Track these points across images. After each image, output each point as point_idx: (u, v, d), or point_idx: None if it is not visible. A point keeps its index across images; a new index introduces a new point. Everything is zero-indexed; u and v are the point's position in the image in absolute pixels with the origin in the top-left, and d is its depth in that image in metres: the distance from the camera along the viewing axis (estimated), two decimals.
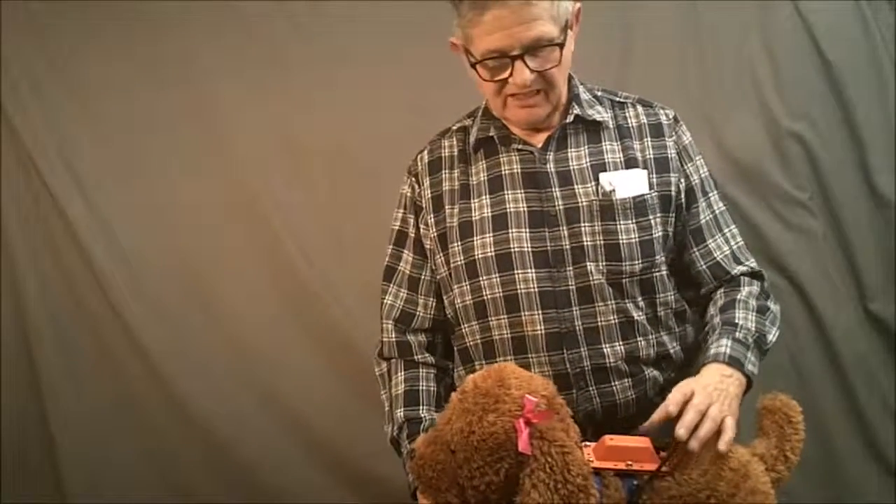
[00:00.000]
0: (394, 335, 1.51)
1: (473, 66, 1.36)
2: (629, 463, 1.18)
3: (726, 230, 1.50)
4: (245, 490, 2.25)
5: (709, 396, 1.24)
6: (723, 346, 1.34)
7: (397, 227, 1.55)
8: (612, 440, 1.19)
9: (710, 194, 1.50)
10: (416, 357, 1.50)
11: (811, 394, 2.19)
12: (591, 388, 1.37)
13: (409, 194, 1.53)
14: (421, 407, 1.45)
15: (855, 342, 2.21)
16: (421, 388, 1.47)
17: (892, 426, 2.21)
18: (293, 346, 2.27)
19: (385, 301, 1.53)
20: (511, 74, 1.35)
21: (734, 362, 1.32)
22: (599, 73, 2.23)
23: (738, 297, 1.43)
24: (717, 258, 1.47)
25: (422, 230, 1.50)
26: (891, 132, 2.21)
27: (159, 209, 2.29)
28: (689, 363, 1.46)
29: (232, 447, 2.26)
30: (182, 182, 2.29)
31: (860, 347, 2.21)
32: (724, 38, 2.22)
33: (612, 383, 1.38)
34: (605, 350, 1.37)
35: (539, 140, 1.45)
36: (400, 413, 1.45)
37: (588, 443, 1.21)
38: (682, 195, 1.46)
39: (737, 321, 1.38)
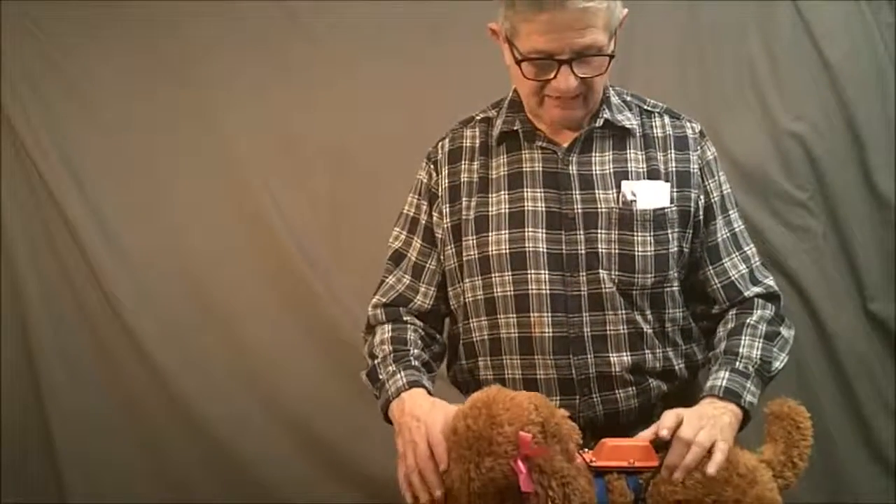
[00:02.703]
0: (382, 309, 1.47)
1: (518, 62, 1.33)
2: (631, 461, 1.19)
3: (746, 248, 1.46)
4: (244, 489, 2.25)
5: (699, 423, 1.22)
6: (720, 378, 1.31)
7: (411, 214, 1.51)
8: (612, 441, 1.20)
9: (730, 212, 1.47)
10: (404, 318, 1.46)
11: (811, 394, 2.19)
12: (594, 396, 1.36)
13: (425, 181, 1.50)
14: (411, 348, 1.40)
15: (855, 342, 2.21)
16: (410, 337, 1.42)
17: (892, 426, 2.21)
18: (293, 346, 2.27)
19: (386, 280, 1.50)
20: (555, 77, 1.32)
21: (729, 395, 1.28)
22: None
23: (748, 321, 1.39)
24: (733, 277, 1.43)
25: (434, 218, 1.47)
26: (891, 132, 2.21)
27: (159, 209, 2.29)
28: (693, 381, 1.45)
29: (231, 447, 2.26)
30: (182, 182, 2.29)
31: (860, 347, 2.21)
32: (724, 38, 2.22)
33: (616, 391, 1.36)
34: (611, 359, 1.35)
35: (564, 139, 1.42)
36: (388, 347, 1.40)
37: (587, 449, 1.21)
38: (701, 211, 1.43)
39: (739, 350, 1.35)
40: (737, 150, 2.21)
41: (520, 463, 1.08)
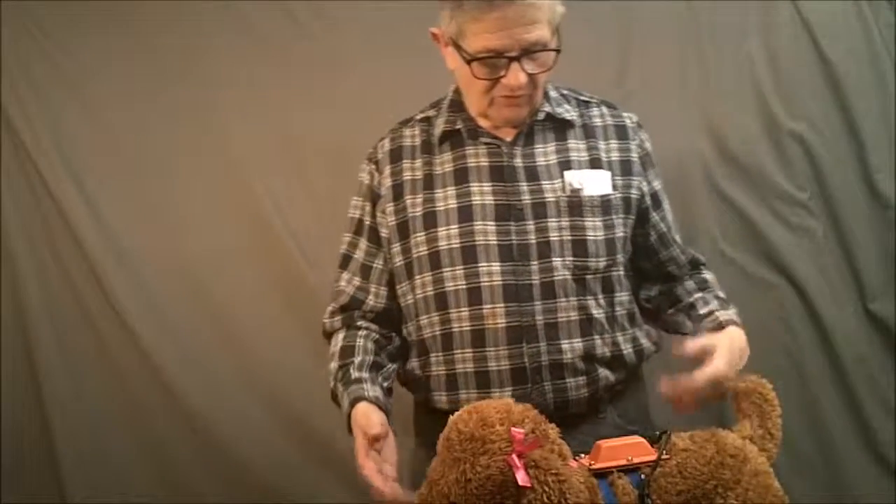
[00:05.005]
0: (338, 316, 1.53)
1: (468, 63, 1.36)
2: (629, 458, 1.20)
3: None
4: (245, 490, 2.25)
5: (732, 362, 1.31)
6: (732, 315, 1.45)
7: (356, 216, 1.55)
8: (606, 443, 1.21)
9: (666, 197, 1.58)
10: (357, 323, 1.51)
11: (811, 394, 2.20)
12: (545, 384, 1.38)
13: (367, 182, 1.52)
14: (355, 357, 1.45)
15: (855, 342, 2.21)
16: (358, 344, 1.47)
17: (892, 426, 2.21)
18: (293, 346, 2.27)
19: (336, 287, 1.55)
20: (505, 75, 1.35)
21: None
22: (599, 73, 2.24)
23: (709, 278, 1.57)
24: (690, 252, 1.59)
25: (378, 218, 1.50)
26: (891, 132, 2.21)
27: (159, 209, 2.29)
28: (640, 365, 1.51)
29: (232, 447, 2.26)
30: (182, 182, 2.29)
31: (860, 347, 2.21)
32: (724, 38, 2.22)
33: (567, 380, 1.39)
34: (563, 346, 1.38)
35: (506, 134, 1.45)
36: (334, 364, 1.46)
37: (582, 455, 1.22)
38: (647, 198, 1.49)
39: (721, 296, 1.53)
40: (737, 150, 2.22)
41: (515, 458, 1.09)
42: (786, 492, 1.22)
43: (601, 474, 1.18)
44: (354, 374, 1.41)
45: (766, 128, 2.22)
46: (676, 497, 1.17)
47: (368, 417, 1.33)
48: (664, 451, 1.19)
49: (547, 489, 1.08)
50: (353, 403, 1.37)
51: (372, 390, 1.39)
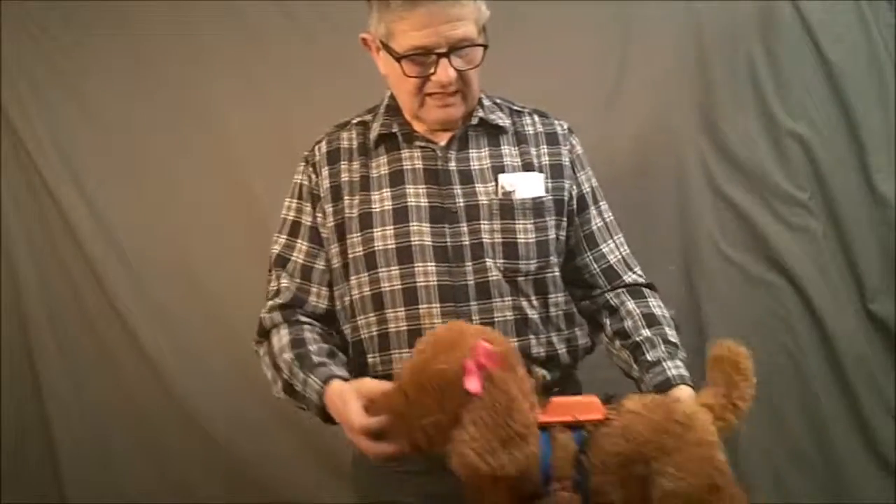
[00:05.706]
0: (278, 311, 1.47)
1: (398, 60, 1.38)
2: (575, 415, 1.19)
3: (616, 237, 1.55)
4: (244, 489, 2.25)
5: None
6: (680, 367, 1.38)
7: (291, 217, 1.52)
8: (558, 399, 1.22)
9: (601, 203, 1.55)
10: (300, 318, 1.46)
11: (811, 394, 2.19)
12: None
13: (305, 183, 1.52)
14: (310, 346, 1.40)
15: (855, 342, 2.21)
16: (307, 337, 1.43)
17: (892, 426, 2.21)
18: None
19: (273, 286, 1.50)
20: (435, 72, 1.37)
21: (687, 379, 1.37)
22: (598, 73, 2.24)
23: (657, 312, 1.47)
24: (611, 262, 1.52)
25: (319, 219, 1.49)
26: (891, 132, 2.21)
27: (159, 209, 2.29)
28: (575, 365, 1.51)
29: (232, 446, 2.26)
30: (182, 182, 2.30)
31: (860, 348, 2.21)
32: (724, 38, 2.22)
33: None
34: None
35: (441, 139, 1.47)
36: (288, 355, 1.40)
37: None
38: (574, 201, 1.50)
39: (671, 339, 1.43)
40: (737, 150, 2.22)
41: (472, 364, 1.10)
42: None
43: (546, 427, 1.18)
44: (316, 359, 1.38)
45: (766, 128, 2.22)
46: (615, 458, 1.16)
47: (347, 387, 1.29)
48: (612, 412, 1.19)
49: (496, 404, 1.09)
50: (326, 381, 1.33)
51: (340, 371, 1.35)
